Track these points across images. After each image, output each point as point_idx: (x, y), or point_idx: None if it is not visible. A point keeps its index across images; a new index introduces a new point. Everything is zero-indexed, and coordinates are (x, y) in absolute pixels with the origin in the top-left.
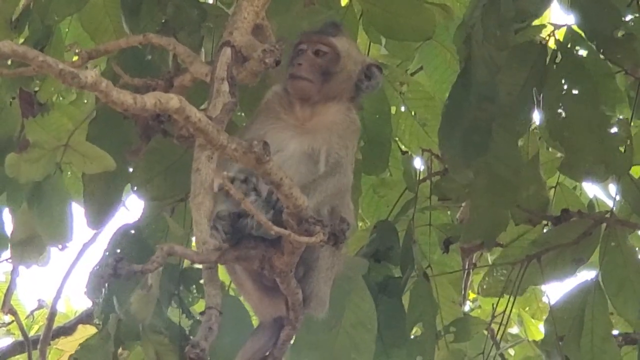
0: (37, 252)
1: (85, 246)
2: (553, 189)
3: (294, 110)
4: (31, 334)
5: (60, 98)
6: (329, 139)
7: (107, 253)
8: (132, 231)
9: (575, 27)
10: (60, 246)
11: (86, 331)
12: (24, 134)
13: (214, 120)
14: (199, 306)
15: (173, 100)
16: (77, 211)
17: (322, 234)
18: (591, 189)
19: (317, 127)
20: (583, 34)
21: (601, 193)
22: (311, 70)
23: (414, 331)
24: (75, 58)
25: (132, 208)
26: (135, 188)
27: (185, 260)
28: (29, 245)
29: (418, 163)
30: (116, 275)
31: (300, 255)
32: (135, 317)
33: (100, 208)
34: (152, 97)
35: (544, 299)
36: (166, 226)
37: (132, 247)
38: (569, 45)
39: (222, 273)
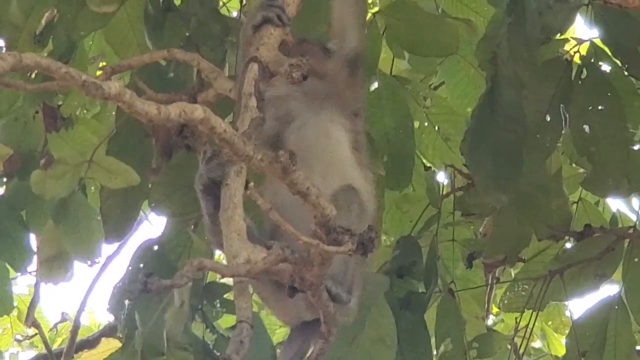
0: (65, 269)
1: (109, 260)
2: (575, 205)
3: None
4: (54, 347)
5: (85, 111)
6: None
7: (130, 268)
8: (155, 247)
9: (598, 42)
10: (89, 262)
11: (109, 344)
12: (47, 149)
13: (242, 135)
14: (222, 321)
15: (198, 111)
16: None
17: (350, 244)
18: (614, 203)
19: None
20: (607, 49)
21: (624, 207)
22: None
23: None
24: (98, 72)
25: (155, 223)
26: (154, 205)
27: (209, 275)
28: (56, 262)
29: (441, 177)
30: (146, 290)
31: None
32: (168, 334)
33: (118, 224)
34: (177, 107)
35: (567, 314)
36: (188, 241)
37: (155, 263)
38: (592, 61)
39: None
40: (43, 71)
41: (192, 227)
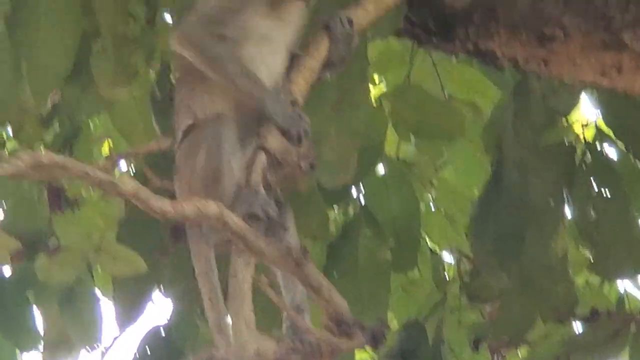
0: (68, 353)
1: (115, 340)
2: (581, 287)
3: None
4: None
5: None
6: None
7: (137, 355)
8: (162, 332)
9: (603, 125)
10: (88, 348)
11: None
12: (52, 229)
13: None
14: None
15: (212, 207)
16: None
17: (361, 336)
18: (621, 282)
19: None
20: (612, 132)
21: (631, 286)
22: None
23: None
24: (105, 151)
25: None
26: (164, 289)
27: None
28: (60, 346)
29: (447, 257)
30: None
31: None
32: None
33: (130, 308)
34: (191, 204)
35: None
36: (196, 326)
37: (162, 349)
38: (597, 145)
39: None
40: (60, 170)
41: (200, 312)
